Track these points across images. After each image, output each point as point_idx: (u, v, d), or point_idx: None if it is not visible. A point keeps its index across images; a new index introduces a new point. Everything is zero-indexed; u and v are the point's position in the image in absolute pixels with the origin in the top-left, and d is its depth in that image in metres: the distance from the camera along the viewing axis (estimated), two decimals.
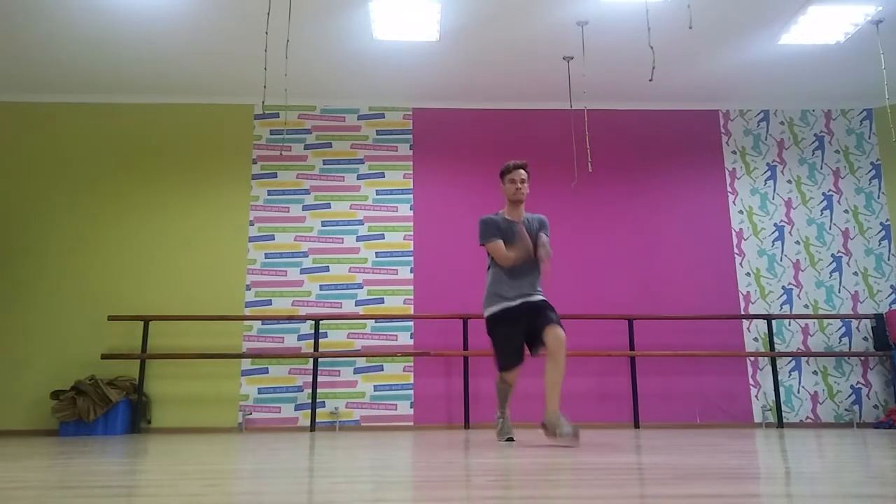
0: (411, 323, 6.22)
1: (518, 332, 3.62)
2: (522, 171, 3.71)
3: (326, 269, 6.32)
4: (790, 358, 6.28)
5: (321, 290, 6.26)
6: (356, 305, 6.25)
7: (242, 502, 1.39)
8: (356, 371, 6.08)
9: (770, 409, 6.13)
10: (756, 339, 6.32)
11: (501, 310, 3.64)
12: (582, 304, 6.31)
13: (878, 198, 6.69)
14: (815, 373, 6.26)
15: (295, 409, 5.97)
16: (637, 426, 5.96)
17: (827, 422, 6.12)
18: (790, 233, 6.59)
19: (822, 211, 6.65)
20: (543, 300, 3.65)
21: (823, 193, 6.70)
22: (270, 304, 6.20)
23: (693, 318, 6.24)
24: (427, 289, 6.30)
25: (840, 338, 6.37)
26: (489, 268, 3.76)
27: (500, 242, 3.63)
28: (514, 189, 3.70)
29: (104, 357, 5.70)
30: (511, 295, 3.63)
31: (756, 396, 6.18)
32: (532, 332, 3.57)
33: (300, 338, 6.14)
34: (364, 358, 6.10)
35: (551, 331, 3.42)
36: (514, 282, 3.64)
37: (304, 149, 6.59)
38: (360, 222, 6.44)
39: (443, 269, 6.33)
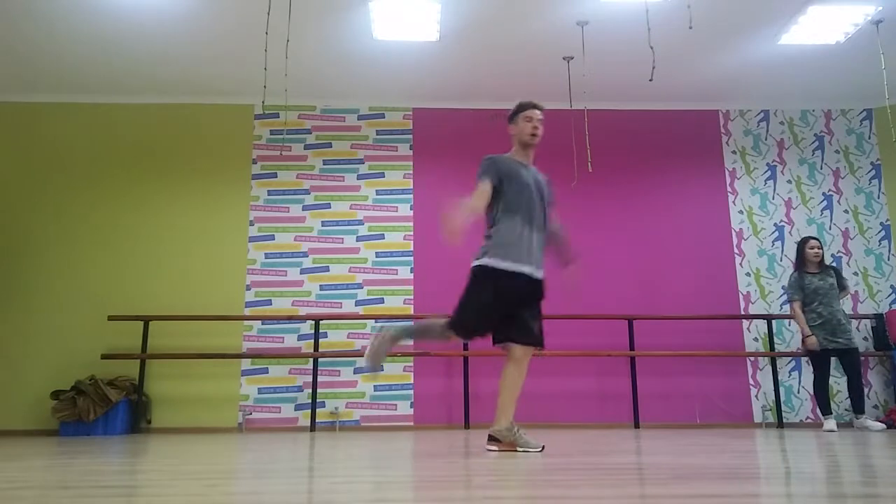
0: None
1: (505, 309, 3.07)
2: (539, 112, 3.24)
3: (326, 269, 6.32)
4: (790, 358, 6.28)
5: (321, 290, 6.26)
6: (356, 305, 6.25)
7: (242, 502, 1.39)
8: (356, 371, 6.08)
9: (770, 409, 6.12)
10: (756, 339, 6.32)
11: (513, 272, 3.04)
12: (582, 304, 6.30)
13: (878, 198, 6.69)
14: None
15: (295, 409, 5.97)
16: (637, 426, 5.95)
17: None
18: (790, 233, 6.59)
19: (822, 211, 6.65)
20: (541, 296, 3.18)
21: (823, 193, 6.70)
22: (270, 304, 6.20)
23: (693, 318, 6.24)
24: (427, 289, 6.29)
25: None
26: (495, 213, 3.17)
27: (488, 188, 3.11)
28: (532, 128, 3.20)
29: (104, 357, 5.70)
30: (529, 260, 3.08)
31: (756, 396, 6.18)
32: (507, 323, 3.09)
33: (300, 338, 6.14)
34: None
35: (525, 354, 3.09)
36: (533, 245, 3.10)
37: (304, 149, 6.59)
38: (360, 222, 6.44)
39: (443, 269, 6.33)
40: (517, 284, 3.06)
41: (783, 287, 6.44)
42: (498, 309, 3.05)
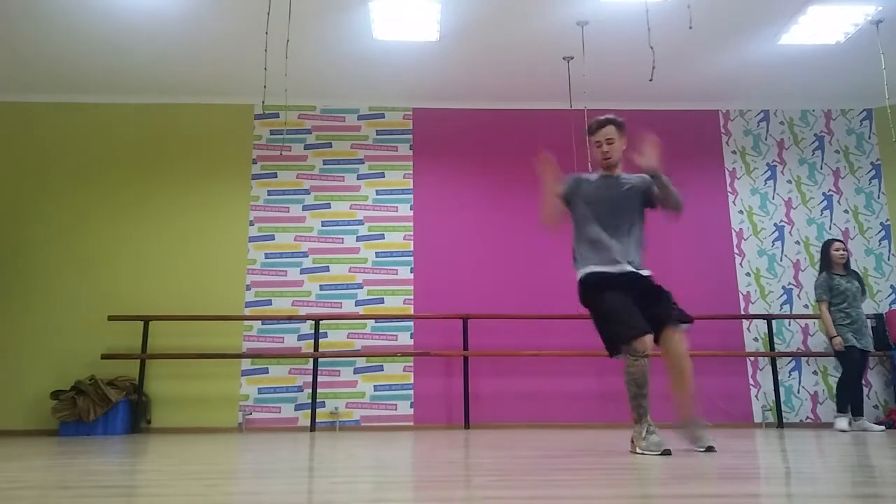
0: (411, 323, 6.21)
1: (629, 299, 2.97)
2: (608, 129, 3.08)
3: (326, 269, 6.32)
4: (790, 358, 6.28)
5: (321, 290, 6.26)
6: (356, 305, 6.25)
7: (242, 502, 1.39)
8: (356, 371, 6.08)
9: (770, 409, 6.12)
10: (756, 339, 6.32)
11: (598, 273, 2.99)
12: None
13: (878, 198, 6.69)
14: (815, 373, 6.26)
15: (295, 409, 5.97)
16: None
17: (827, 422, 6.11)
18: (790, 233, 6.58)
19: (822, 211, 6.65)
20: (656, 283, 3.09)
21: (823, 193, 6.70)
22: (270, 304, 6.19)
23: (693, 318, 6.22)
24: (427, 289, 6.29)
25: None
26: (574, 229, 3.22)
27: (556, 198, 3.11)
28: (602, 154, 3.08)
29: (104, 357, 5.70)
30: (617, 259, 3.02)
31: (756, 396, 6.18)
32: (651, 322, 2.99)
33: (300, 338, 6.14)
34: (364, 358, 6.10)
35: (672, 336, 3.02)
36: (614, 248, 3.04)
37: (304, 149, 6.59)
38: (360, 222, 6.44)
39: (443, 269, 6.33)
40: (611, 277, 2.98)
41: (783, 287, 6.44)
42: (623, 303, 2.93)
